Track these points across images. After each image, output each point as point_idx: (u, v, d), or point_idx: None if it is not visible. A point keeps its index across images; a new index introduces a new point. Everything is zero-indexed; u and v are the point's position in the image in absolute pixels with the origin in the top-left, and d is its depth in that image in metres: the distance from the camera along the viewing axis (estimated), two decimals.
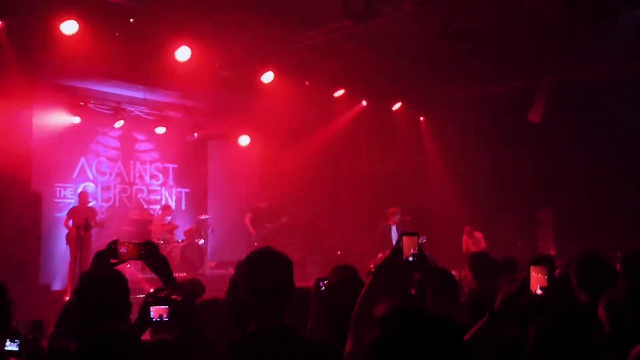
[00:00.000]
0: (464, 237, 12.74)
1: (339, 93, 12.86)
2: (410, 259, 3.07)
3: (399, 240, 3.08)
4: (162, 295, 2.71)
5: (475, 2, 9.16)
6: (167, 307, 2.65)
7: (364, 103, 13.78)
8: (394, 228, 12.14)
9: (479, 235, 12.73)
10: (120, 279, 2.82)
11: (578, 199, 12.70)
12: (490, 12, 9.54)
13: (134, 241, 3.00)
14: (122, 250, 2.91)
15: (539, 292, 2.82)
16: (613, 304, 3.27)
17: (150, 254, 2.96)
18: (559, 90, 12.42)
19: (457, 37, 9.99)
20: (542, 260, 2.97)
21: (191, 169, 14.39)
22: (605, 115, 12.27)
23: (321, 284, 3.42)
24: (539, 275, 2.84)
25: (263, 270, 2.74)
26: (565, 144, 12.93)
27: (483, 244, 12.49)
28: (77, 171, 12.72)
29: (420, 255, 3.11)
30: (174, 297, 2.70)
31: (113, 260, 2.93)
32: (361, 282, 3.38)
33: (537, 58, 11.63)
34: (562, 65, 11.87)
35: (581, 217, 12.46)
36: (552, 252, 12.53)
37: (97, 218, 11.87)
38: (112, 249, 2.91)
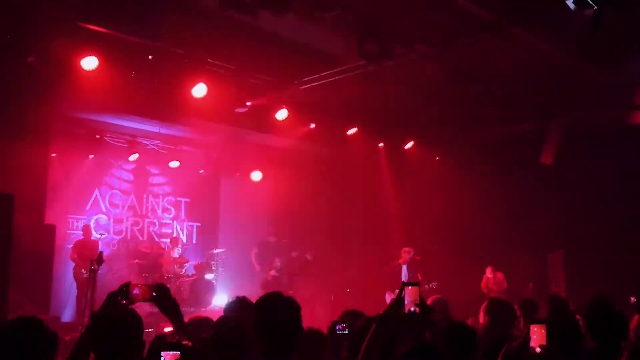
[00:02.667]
0: (485, 277, 12.68)
1: (352, 131, 12.96)
2: (412, 309, 3.10)
3: (401, 290, 3.12)
4: (174, 340, 2.74)
5: (487, 46, 9.27)
6: (178, 352, 2.66)
7: (380, 144, 13.88)
8: (404, 267, 12.11)
9: (500, 275, 12.67)
10: (134, 318, 2.86)
11: (589, 241, 12.62)
12: (501, 56, 9.64)
13: (146, 284, 3.04)
14: (135, 292, 2.95)
15: (538, 350, 2.86)
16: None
17: (162, 296, 2.99)
18: (571, 132, 12.47)
19: (469, 79, 10.09)
20: (541, 319, 3.05)
21: (203, 203, 14.46)
22: (617, 157, 12.27)
23: (338, 327, 3.42)
24: (539, 332, 2.89)
25: (273, 315, 2.79)
26: (577, 186, 12.89)
27: (505, 285, 12.46)
28: (90, 203, 12.84)
29: (422, 305, 3.14)
30: (185, 342, 2.73)
31: (124, 302, 2.96)
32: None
33: (548, 100, 11.72)
34: (573, 108, 11.94)
35: (593, 259, 12.36)
36: (564, 295, 12.41)
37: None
38: (124, 290, 2.96)
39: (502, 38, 9.01)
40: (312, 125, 12.61)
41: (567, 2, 7.29)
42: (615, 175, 12.33)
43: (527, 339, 2.91)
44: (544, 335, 2.88)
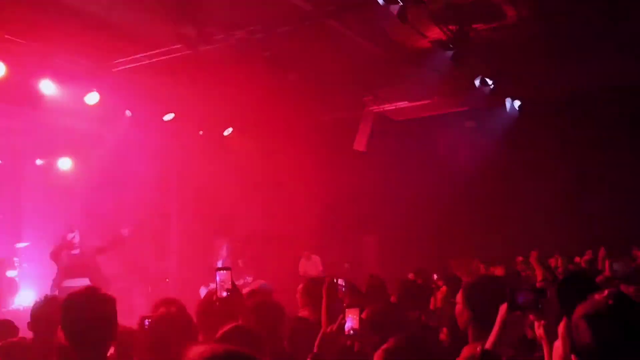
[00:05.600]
0: (302, 261, 12.97)
1: (169, 117, 12.59)
2: (225, 294, 3.14)
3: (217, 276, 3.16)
4: None
5: (302, 37, 9.49)
6: None
7: (200, 132, 13.61)
8: (220, 263, 11.97)
9: (316, 258, 13.05)
10: None
11: (399, 225, 13.56)
12: (316, 47, 9.94)
13: None
14: None
15: (351, 332, 3.05)
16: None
17: None
18: (382, 121, 13.25)
19: (287, 68, 10.27)
20: (357, 303, 3.28)
21: (2, 193, 13.20)
22: (423, 145, 13.33)
23: (147, 322, 3.30)
24: (353, 317, 3.08)
25: (84, 313, 2.63)
26: (388, 173, 13.77)
27: (320, 267, 12.81)
28: None
29: (233, 290, 3.18)
30: None
31: None
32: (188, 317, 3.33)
33: (362, 90, 12.32)
34: (383, 98, 12.70)
35: (403, 241, 13.30)
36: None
37: None
38: None
39: (319, 29, 9.28)
40: (128, 113, 12.03)
41: None
42: (422, 160, 13.36)
43: (343, 322, 3.06)
44: (357, 319, 3.07)
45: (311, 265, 12.95)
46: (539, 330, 2.87)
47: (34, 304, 3.80)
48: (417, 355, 2.57)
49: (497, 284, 3.20)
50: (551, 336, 2.88)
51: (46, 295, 3.95)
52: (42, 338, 3.60)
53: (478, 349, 2.73)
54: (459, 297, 3.20)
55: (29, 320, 3.83)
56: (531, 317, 2.93)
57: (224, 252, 12.11)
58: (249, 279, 11.55)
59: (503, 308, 2.75)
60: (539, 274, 6.40)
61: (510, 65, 10.74)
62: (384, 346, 2.61)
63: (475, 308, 3.04)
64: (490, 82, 10.94)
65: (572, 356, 2.15)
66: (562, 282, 3.91)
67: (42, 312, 3.68)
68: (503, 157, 12.87)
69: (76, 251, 10.04)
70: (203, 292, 11.33)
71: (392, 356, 2.54)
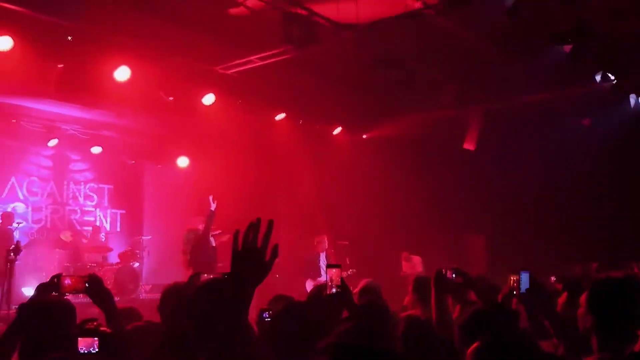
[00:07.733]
0: (403, 263, 12.88)
1: (280, 116, 12.91)
2: (334, 290, 3.16)
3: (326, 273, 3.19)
4: (91, 326, 2.66)
5: (410, 34, 9.41)
6: (95, 338, 2.58)
7: (300, 121, 13.81)
8: (322, 255, 12.04)
9: (416, 259, 12.90)
10: (66, 308, 2.77)
11: (509, 225, 13.11)
12: (423, 44, 9.83)
13: (78, 274, 2.96)
14: (66, 282, 2.86)
15: None
16: None
17: (95, 287, 2.92)
18: (492, 118, 12.88)
19: (392, 66, 10.22)
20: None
21: (127, 189, 14.10)
22: (534, 143, 12.81)
23: (265, 315, 3.39)
24: None
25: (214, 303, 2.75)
26: (496, 171, 13.35)
27: (419, 268, 12.64)
28: (6, 191, 12.29)
29: (343, 287, 3.19)
30: (103, 328, 2.66)
31: (54, 293, 2.87)
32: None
33: (469, 88, 12.04)
34: (493, 95, 12.34)
35: (511, 243, 12.85)
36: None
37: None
38: (55, 282, 2.86)
39: (424, 25, 9.17)
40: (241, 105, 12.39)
41: None
42: (533, 159, 12.84)
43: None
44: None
45: (410, 267, 12.80)
46: None
47: (165, 289, 3.96)
48: (512, 356, 2.48)
49: (630, 287, 2.89)
50: None
51: (176, 282, 4.12)
52: (168, 323, 3.75)
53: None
54: (582, 300, 2.98)
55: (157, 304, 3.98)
56: None
57: (322, 247, 12.10)
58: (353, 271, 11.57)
59: None
60: None
61: (636, 58, 10.09)
62: (477, 344, 2.55)
63: (602, 313, 2.81)
64: (612, 77, 10.34)
65: None
66: None
67: (170, 298, 3.83)
68: (622, 156, 12.11)
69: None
70: (309, 285, 11.52)
71: (483, 354, 2.48)
